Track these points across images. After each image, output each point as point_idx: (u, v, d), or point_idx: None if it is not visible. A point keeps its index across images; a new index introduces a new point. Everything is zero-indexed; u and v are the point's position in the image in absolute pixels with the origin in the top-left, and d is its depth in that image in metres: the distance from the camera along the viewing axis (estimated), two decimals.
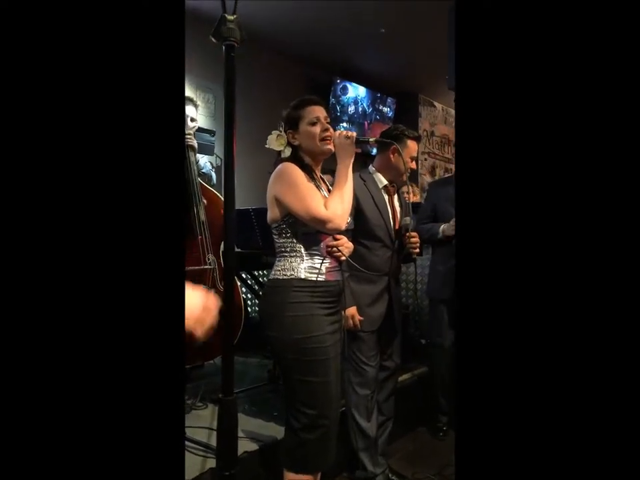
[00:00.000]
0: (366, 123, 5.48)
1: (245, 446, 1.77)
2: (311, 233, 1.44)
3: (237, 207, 2.26)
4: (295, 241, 1.45)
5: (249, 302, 3.82)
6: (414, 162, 2.01)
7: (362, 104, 5.41)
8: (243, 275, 3.05)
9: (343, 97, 5.18)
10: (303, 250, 1.45)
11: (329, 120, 1.52)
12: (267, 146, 1.52)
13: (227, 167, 0.70)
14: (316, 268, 1.44)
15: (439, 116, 6.25)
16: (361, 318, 1.82)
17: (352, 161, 1.49)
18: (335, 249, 1.46)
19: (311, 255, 1.45)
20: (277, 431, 1.93)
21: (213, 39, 0.68)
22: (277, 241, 1.50)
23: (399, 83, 5.47)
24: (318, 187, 1.48)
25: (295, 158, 1.50)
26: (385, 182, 1.97)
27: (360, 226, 1.85)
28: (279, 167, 1.46)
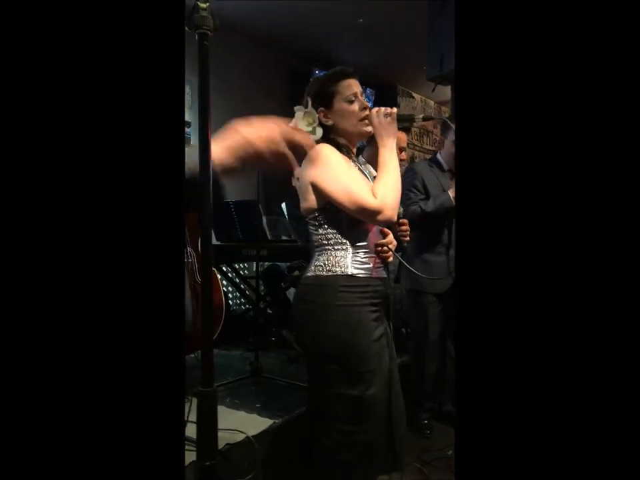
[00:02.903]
0: None
1: (228, 438, 1.77)
2: (357, 221, 1.25)
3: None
4: (338, 232, 1.26)
5: (229, 295, 3.81)
6: (403, 153, 1.99)
7: None
8: (224, 268, 3.04)
9: None
10: (348, 242, 1.25)
11: (364, 95, 1.33)
12: (290, 125, 1.34)
13: (202, 160, 0.70)
14: (364, 263, 1.26)
15: (418, 107, 6.26)
16: None
17: (395, 141, 1.29)
18: (384, 247, 1.29)
19: (358, 248, 1.26)
20: (259, 422, 1.93)
21: (186, 28, 0.67)
22: (315, 232, 1.30)
23: (377, 74, 5.47)
24: (361, 171, 1.31)
25: (328, 140, 1.30)
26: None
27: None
28: (314, 148, 1.25)
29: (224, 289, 3.26)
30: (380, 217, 1.21)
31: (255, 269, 2.97)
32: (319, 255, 1.29)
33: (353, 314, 1.22)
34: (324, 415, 1.25)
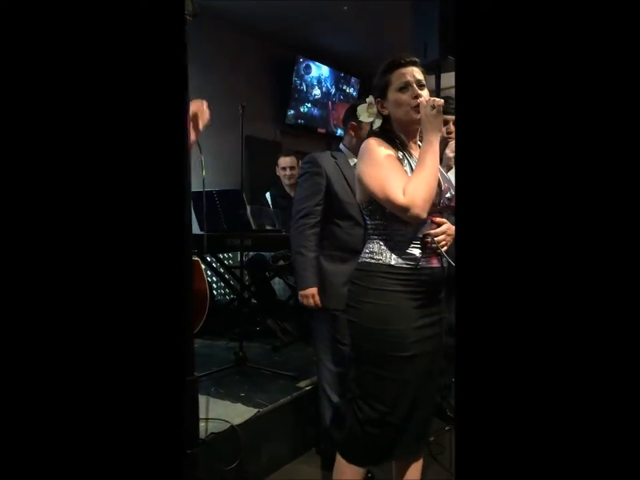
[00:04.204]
0: (330, 102, 5.45)
1: (212, 428, 1.78)
2: None
3: (201, 189, 2.21)
4: (384, 223, 1.31)
5: (214, 285, 3.80)
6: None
7: (325, 84, 5.36)
8: (208, 258, 3.02)
9: (306, 76, 5.12)
10: (393, 234, 1.30)
11: (423, 82, 1.32)
12: (358, 114, 1.40)
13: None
14: (410, 254, 1.29)
15: None
16: (318, 303, 1.83)
17: (439, 136, 1.27)
18: (430, 239, 1.28)
19: (403, 239, 1.30)
20: (243, 412, 1.94)
21: None
22: (367, 221, 1.38)
23: (362, 63, 5.43)
24: (409, 164, 1.32)
25: (384, 130, 1.35)
26: (356, 159, 1.95)
27: (333, 205, 1.86)
28: (363, 143, 1.33)
29: (208, 279, 3.24)
30: (408, 215, 1.22)
31: (239, 258, 2.96)
32: (368, 243, 1.36)
33: (390, 299, 1.27)
34: (360, 389, 1.34)
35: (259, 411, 1.94)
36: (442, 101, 1.25)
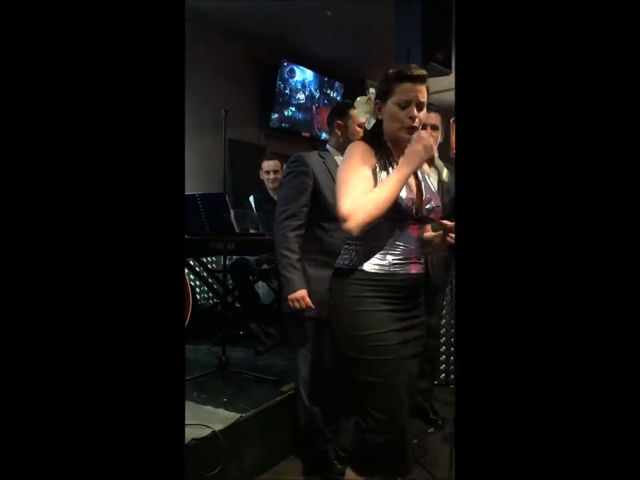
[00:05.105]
0: (314, 107, 5.46)
1: (195, 433, 1.76)
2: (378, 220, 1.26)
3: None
4: None
5: (197, 289, 3.77)
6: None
7: (309, 88, 5.38)
8: (191, 262, 3.00)
9: (290, 80, 5.13)
10: (365, 240, 1.30)
11: (424, 106, 1.29)
12: (354, 106, 1.39)
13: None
14: (382, 260, 1.30)
15: None
16: (310, 304, 1.76)
17: (412, 170, 1.25)
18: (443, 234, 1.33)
19: (375, 246, 1.30)
20: (226, 416, 1.92)
21: None
22: None
23: (346, 68, 5.47)
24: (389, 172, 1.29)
25: (373, 134, 1.34)
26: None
27: (319, 206, 1.80)
28: (349, 145, 1.34)
29: (191, 283, 3.22)
30: (343, 225, 1.23)
31: (222, 262, 2.95)
32: (344, 248, 1.37)
33: (364, 304, 1.28)
34: (358, 398, 1.33)
35: (241, 416, 1.93)
36: (436, 153, 1.26)
